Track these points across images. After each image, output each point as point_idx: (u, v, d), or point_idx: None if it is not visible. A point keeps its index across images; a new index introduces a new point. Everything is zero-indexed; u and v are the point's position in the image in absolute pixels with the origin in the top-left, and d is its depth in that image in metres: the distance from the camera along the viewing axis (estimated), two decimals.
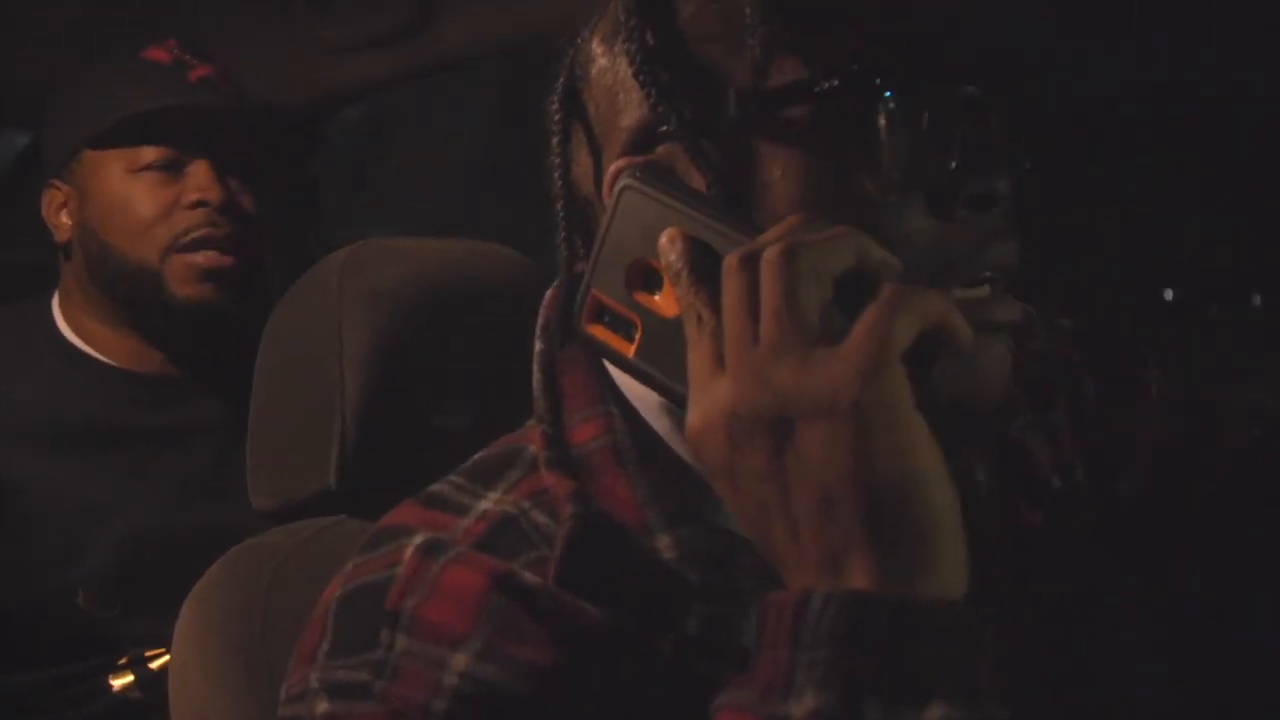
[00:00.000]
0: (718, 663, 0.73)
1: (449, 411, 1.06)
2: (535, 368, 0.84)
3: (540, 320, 0.86)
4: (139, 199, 1.65)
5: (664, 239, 0.71)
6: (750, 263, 0.65)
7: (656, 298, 0.73)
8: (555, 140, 0.82)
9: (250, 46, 1.86)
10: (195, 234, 1.64)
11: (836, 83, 0.73)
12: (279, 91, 1.93)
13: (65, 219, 1.72)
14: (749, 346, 0.64)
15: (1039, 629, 0.85)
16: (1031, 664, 0.81)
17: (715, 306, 0.67)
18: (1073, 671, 0.86)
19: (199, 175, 1.65)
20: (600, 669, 0.71)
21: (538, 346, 0.84)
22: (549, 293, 0.87)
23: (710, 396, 0.65)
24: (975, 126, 0.75)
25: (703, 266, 0.69)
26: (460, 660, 0.69)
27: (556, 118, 0.82)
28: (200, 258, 1.65)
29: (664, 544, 0.75)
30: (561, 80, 0.83)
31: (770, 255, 0.64)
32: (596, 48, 0.82)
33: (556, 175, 0.82)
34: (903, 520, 0.61)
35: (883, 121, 0.73)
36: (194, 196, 1.65)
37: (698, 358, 0.67)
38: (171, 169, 1.66)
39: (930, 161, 0.74)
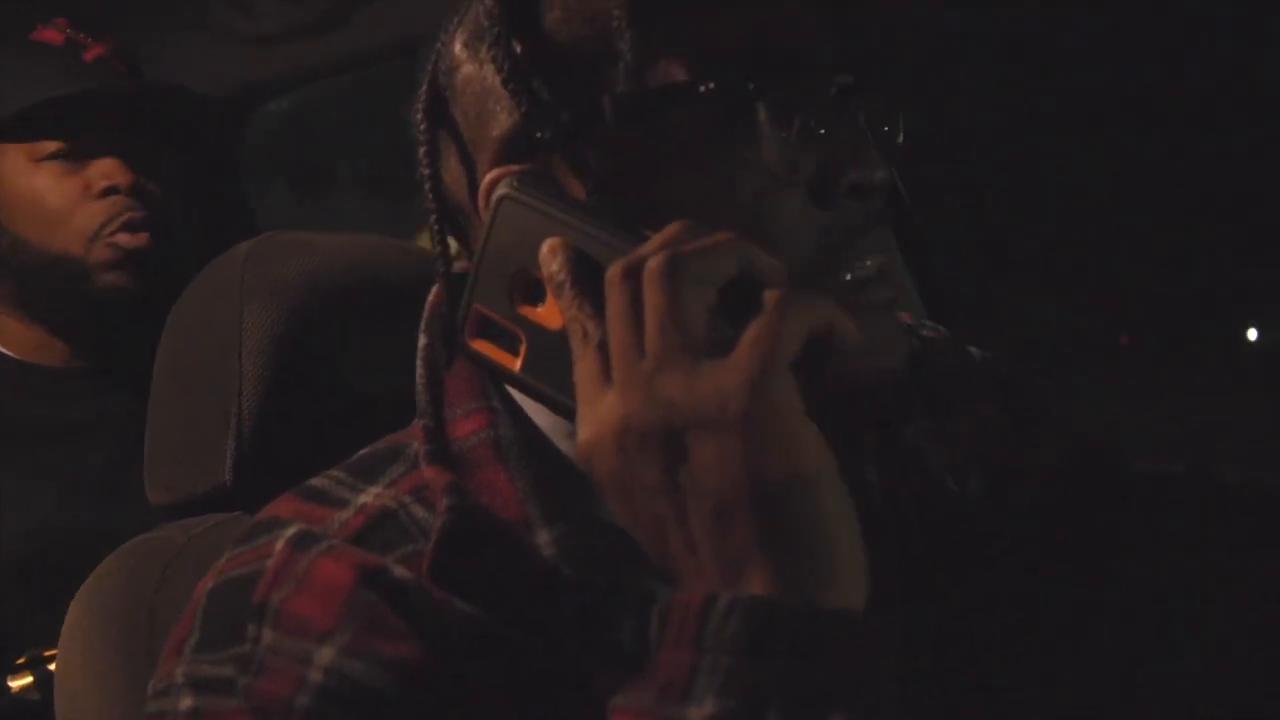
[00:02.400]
0: (594, 661, 0.72)
1: (348, 407, 1.04)
2: (419, 361, 0.83)
3: (425, 316, 0.85)
4: (46, 190, 1.62)
5: (545, 249, 0.69)
6: (633, 273, 0.64)
7: (540, 309, 0.72)
8: (423, 150, 0.81)
9: (167, 39, 1.84)
10: (120, 219, 1.61)
11: (713, 85, 0.73)
12: (197, 84, 1.90)
13: None
14: (635, 359, 0.63)
15: (934, 634, 0.84)
16: (928, 672, 0.82)
17: (600, 318, 0.66)
18: (968, 679, 0.86)
19: (104, 162, 1.62)
20: (472, 667, 0.70)
21: (421, 341, 0.84)
22: (435, 288, 0.86)
23: (599, 411, 0.64)
24: (851, 117, 0.75)
25: (586, 277, 0.68)
26: (325, 655, 0.68)
27: (423, 126, 0.81)
28: (124, 238, 1.61)
29: (544, 540, 0.75)
30: (425, 87, 0.81)
31: (653, 265, 0.64)
32: (460, 52, 0.80)
33: (427, 187, 0.81)
34: (798, 528, 0.60)
35: (761, 120, 0.73)
36: (103, 184, 1.62)
37: (584, 371, 0.66)
38: (74, 156, 1.63)
39: (809, 155, 0.74)
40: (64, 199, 1.61)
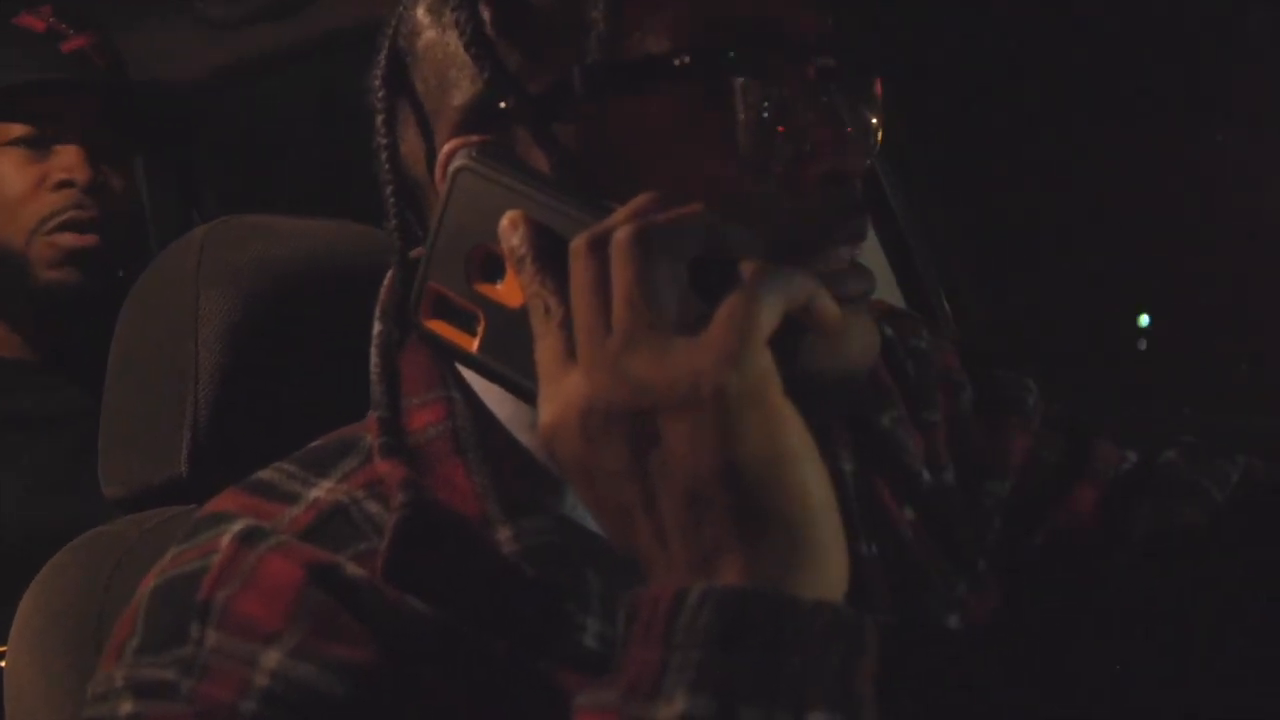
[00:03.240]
0: (557, 661, 0.70)
1: (308, 396, 1.02)
2: (373, 351, 0.80)
3: (379, 304, 0.82)
4: (4, 176, 1.59)
5: (505, 222, 0.66)
6: (599, 246, 0.61)
7: (499, 287, 0.68)
8: (380, 119, 0.77)
9: (132, 22, 1.80)
10: (61, 217, 1.59)
11: (688, 59, 0.70)
12: (161, 69, 1.88)
13: None
14: (601, 336, 0.60)
15: (915, 630, 0.83)
16: (907, 668, 0.79)
17: (563, 294, 0.63)
18: (948, 676, 0.84)
19: (67, 155, 1.60)
20: (428, 668, 0.68)
21: (376, 328, 0.81)
22: (389, 274, 0.83)
23: (562, 392, 0.61)
24: (830, 101, 0.73)
25: (548, 252, 0.65)
26: (272, 658, 0.65)
27: (380, 94, 0.77)
28: (65, 238, 1.59)
29: (504, 536, 0.72)
30: (384, 53, 0.78)
31: (621, 237, 0.61)
32: (422, 18, 0.77)
33: (384, 157, 0.77)
34: (777, 514, 0.57)
35: (737, 98, 0.70)
36: (60, 176, 1.59)
37: (546, 350, 0.63)
38: (38, 145, 1.60)
39: (785, 138, 0.71)
40: (18, 188, 1.59)
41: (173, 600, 0.70)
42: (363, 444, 0.78)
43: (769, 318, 0.59)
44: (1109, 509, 0.96)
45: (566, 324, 0.62)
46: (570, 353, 0.62)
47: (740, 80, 0.70)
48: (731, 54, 0.70)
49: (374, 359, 0.79)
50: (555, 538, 0.73)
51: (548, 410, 0.62)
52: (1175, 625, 0.91)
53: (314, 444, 0.81)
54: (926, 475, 0.89)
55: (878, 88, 0.75)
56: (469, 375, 0.78)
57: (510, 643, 0.70)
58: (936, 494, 0.89)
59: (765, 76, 0.71)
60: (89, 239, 1.60)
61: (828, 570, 0.58)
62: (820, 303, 0.62)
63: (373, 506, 0.74)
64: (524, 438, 0.76)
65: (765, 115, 0.70)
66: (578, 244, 0.62)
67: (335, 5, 1.74)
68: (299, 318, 1.03)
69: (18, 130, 1.60)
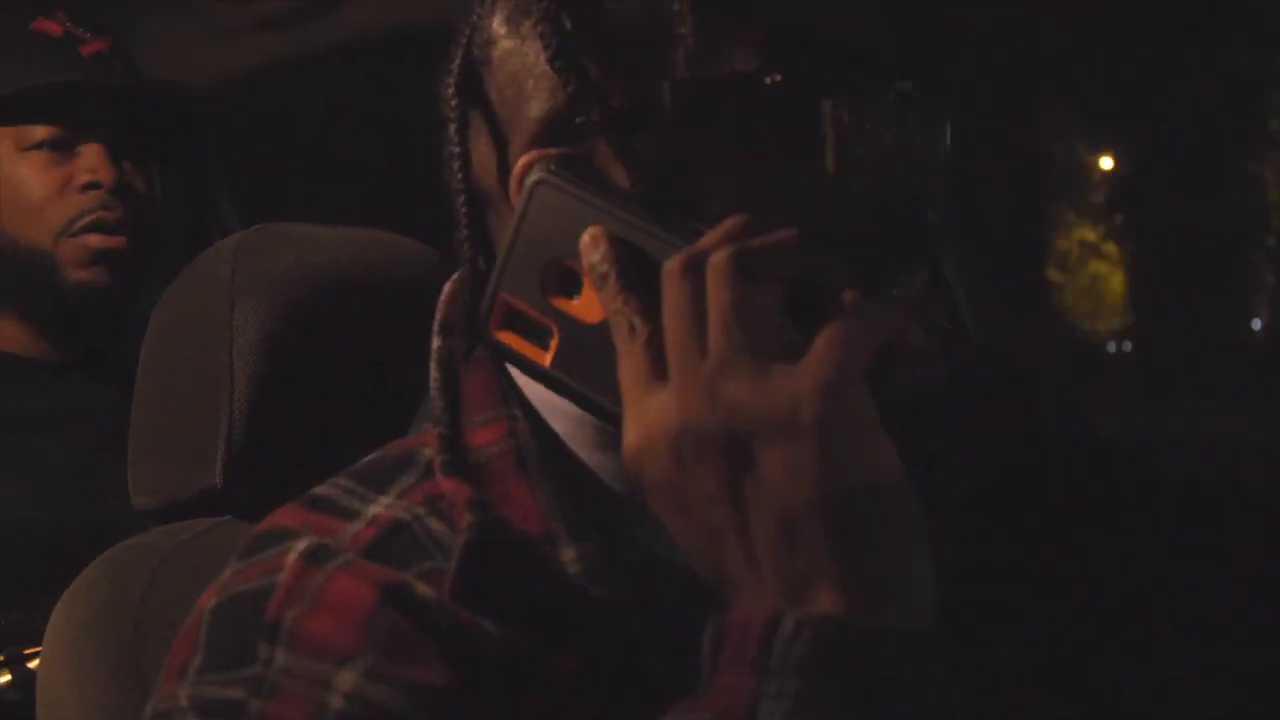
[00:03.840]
0: (624, 682, 0.69)
1: (343, 407, 1.01)
2: (433, 366, 0.79)
3: (438, 316, 0.81)
4: (29, 179, 1.59)
5: (586, 239, 0.65)
6: (694, 268, 0.61)
7: (575, 302, 0.67)
8: (453, 128, 0.76)
9: (147, 26, 1.81)
10: (89, 218, 1.58)
11: (779, 77, 0.69)
12: (178, 73, 1.87)
13: None
14: (695, 359, 0.59)
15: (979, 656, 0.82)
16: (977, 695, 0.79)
17: (647, 314, 0.62)
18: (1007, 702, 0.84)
19: (91, 156, 1.59)
20: (498, 690, 0.67)
21: (435, 343, 0.80)
22: (447, 287, 0.82)
23: (650, 413, 0.60)
24: (908, 125, 0.72)
25: (631, 270, 0.64)
26: (346, 679, 0.65)
27: (453, 104, 0.76)
28: (93, 239, 1.59)
29: (568, 556, 0.71)
30: (458, 62, 0.77)
31: (718, 260, 0.60)
32: (499, 28, 0.76)
33: (456, 166, 0.76)
34: (872, 543, 0.57)
35: (825, 118, 0.70)
36: (86, 178, 1.58)
37: (630, 370, 0.62)
38: (62, 148, 1.60)
39: (868, 158, 0.71)
40: (44, 190, 1.59)
41: (238, 618, 0.69)
42: (420, 459, 0.77)
43: (867, 348, 0.59)
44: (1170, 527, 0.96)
45: (652, 344, 0.61)
46: (656, 373, 0.61)
47: (829, 101, 0.70)
48: (821, 74, 0.70)
49: (434, 373, 0.78)
50: (620, 557, 0.72)
51: (634, 430, 0.61)
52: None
53: (368, 459, 0.80)
54: (969, 493, 0.89)
55: (949, 113, 0.74)
56: (531, 393, 0.77)
57: (577, 663, 0.69)
58: (984, 513, 0.88)
59: (851, 98, 0.70)
60: (116, 240, 1.60)
61: (919, 601, 0.58)
62: (911, 333, 0.62)
63: (435, 524, 0.73)
64: (586, 455, 0.75)
65: (850, 137, 0.70)
66: (672, 265, 0.61)
67: (350, 15, 1.74)
68: (334, 327, 1.03)
69: (41, 133, 1.59)
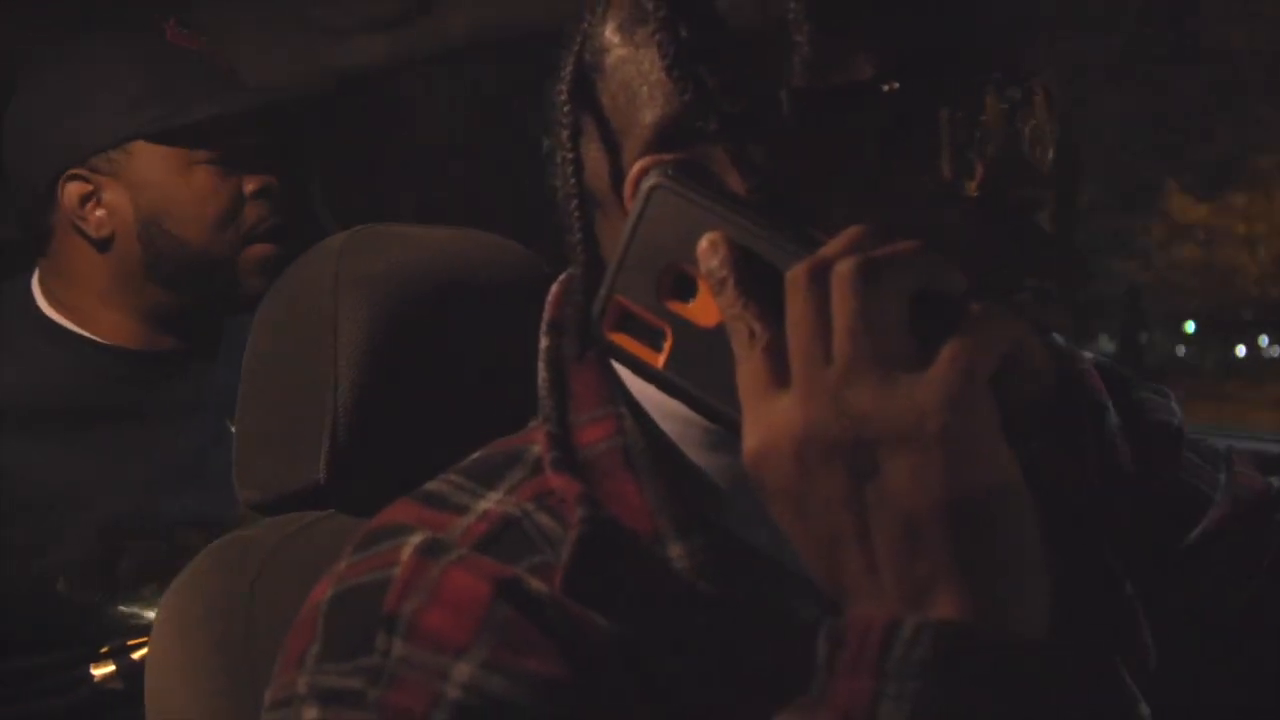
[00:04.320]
0: (729, 680, 0.70)
1: (444, 404, 1.03)
2: (541, 365, 0.80)
3: (546, 316, 0.83)
4: (209, 193, 1.64)
5: (704, 244, 0.66)
6: (819, 277, 0.61)
7: (690, 305, 0.68)
8: (565, 134, 0.77)
9: (249, 29, 1.84)
10: (266, 225, 1.65)
11: (897, 85, 0.70)
12: (277, 75, 1.90)
13: (100, 212, 1.66)
14: (820, 366, 0.60)
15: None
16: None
17: (767, 320, 0.63)
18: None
19: (255, 165, 1.66)
20: (608, 684, 0.68)
21: (544, 343, 0.81)
22: (554, 287, 0.84)
23: (773, 417, 0.61)
24: (1019, 132, 0.73)
25: (749, 276, 0.65)
26: (463, 671, 0.66)
27: (566, 109, 0.77)
28: (268, 247, 1.66)
29: (676, 553, 0.72)
30: (569, 69, 0.78)
31: (844, 270, 0.61)
32: (611, 36, 0.77)
33: (569, 171, 0.77)
34: (995, 550, 0.58)
35: (943, 125, 0.70)
36: (254, 185, 1.64)
37: (749, 375, 0.63)
38: (228, 161, 1.65)
39: (983, 165, 0.72)
40: (223, 201, 1.64)
41: (355, 610, 0.71)
42: (527, 456, 0.79)
43: (992, 359, 0.60)
44: (1248, 534, 0.95)
45: (772, 349, 0.62)
46: (777, 378, 0.62)
47: (946, 107, 0.71)
48: (938, 82, 0.71)
49: (542, 373, 0.80)
50: (726, 554, 0.73)
51: (755, 434, 0.62)
52: None
53: (476, 455, 0.82)
54: (1076, 500, 0.89)
55: (1057, 121, 0.74)
56: (638, 391, 0.78)
57: (684, 659, 0.70)
58: (1087, 519, 0.88)
59: (969, 106, 0.71)
60: (283, 245, 1.66)
61: (1036, 607, 0.59)
62: (1030, 344, 0.62)
63: (544, 519, 0.74)
64: (694, 454, 0.76)
65: (966, 144, 0.71)
66: (797, 273, 0.62)
67: (450, 17, 1.75)
68: (434, 325, 1.05)
69: (207, 150, 1.64)
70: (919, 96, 0.70)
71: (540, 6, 1.64)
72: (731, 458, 0.73)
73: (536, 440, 0.78)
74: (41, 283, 1.72)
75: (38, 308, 1.70)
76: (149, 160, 1.64)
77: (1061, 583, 0.72)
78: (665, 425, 0.77)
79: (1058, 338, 0.97)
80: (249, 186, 1.64)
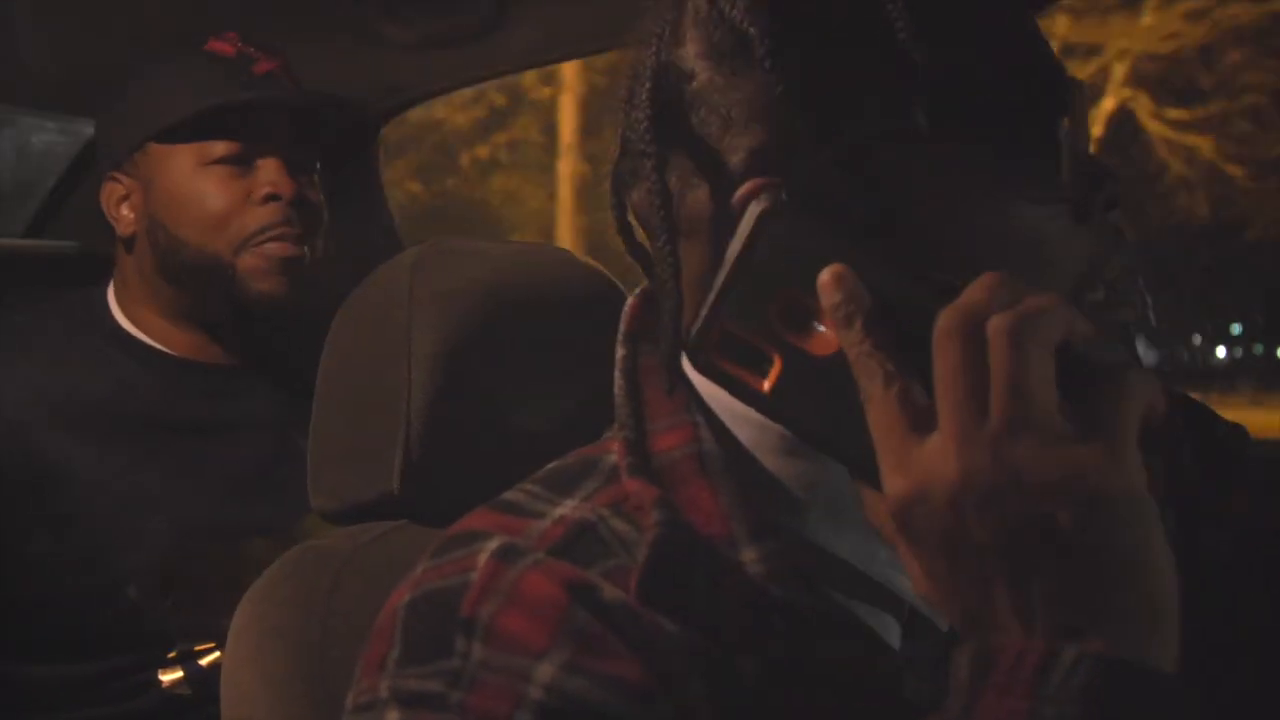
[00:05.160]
0: (801, 683, 0.71)
1: (517, 417, 1.04)
2: (617, 374, 0.82)
3: (623, 327, 0.84)
4: (210, 193, 1.65)
5: (828, 278, 0.65)
6: (975, 331, 0.61)
7: (804, 335, 0.68)
8: (650, 164, 0.76)
9: (317, 44, 1.86)
10: (271, 231, 1.65)
11: (1021, 95, 0.72)
12: (345, 89, 1.93)
13: (127, 212, 1.72)
14: (976, 418, 0.60)
15: None
16: None
17: (898, 361, 0.63)
18: None
19: (269, 169, 1.65)
20: (682, 686, 0.69)
21: (620, 353, 0.82)
22: (631, 300, 0.85)
23: (922, 464, 0.61)
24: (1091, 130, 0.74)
25: (877, 313, 0.64)
26: (545, 672, 0.67)
27: (648, 137, 0.76)
28: (274, 249, 1.65)
29: (749, 558, 0.73)
30: (647, 98, 0.77)
31: (1001, 326, 0.61)
32: (696, 62, 0.76)
33: (658, 202, 0.76)
34: (1143, 598, 0.60)
35: (1062, 138, 0.72)
36: (266, 190, 1.65)
37: (887, 417, 0.63)
38: (240, 163, 1.66)
39: (1077, 169, 0.73)
40: (226, 203, 1.65)
41: (433, 614, 0.72)
42: (603, 465, 0.80)
43: (1140, 418, 0.61)
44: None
45: (908, 393, 0.63)
46: (916, 424, 0.62)
47: (1066, 118, 0.72)
48: (1052, 97, 0.72)
49: (618, 381, 0.81)
50: (799, 560, 0.74)
51: (902, 478, 0.62)
52: None
53: (552, 465, 0.83)
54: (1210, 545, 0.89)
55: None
56: (709, 397, 0.79)
57: (757, 663, 0.71)
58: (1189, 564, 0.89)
59: (1071, 116, 0.72)
60: (298, 250, 1.66)
61: (1173, 644, 0.60)
62: (1159, 403, 0.63)
63: (619, 524, 0.75)
64: (769, 461, 0.77)
65: (1063, 150, 0.72)
66: (949, 325, 0.62)
67: (517, 34, 1.77)
68: (505, 339, 1.06)
69: (220, 149, 1.65)
70: (1033, 113, 0.72)
71: (601, 27, 1.66)
72: (806, 464, 0.75)
73: (612, 449, 0.79)
74: (116, 293, 1.76)
75: (112, 317, 1.74)
76: (159, 160, 1.68)
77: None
78: (739, 432, 0.78)
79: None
80: (259, 191, 1.65)
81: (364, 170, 2.20)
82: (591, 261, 1.16)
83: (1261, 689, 0.89)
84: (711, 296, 0.69)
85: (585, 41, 1.73)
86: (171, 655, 1.60)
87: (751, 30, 0.73)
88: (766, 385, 0.68)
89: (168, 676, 1.59)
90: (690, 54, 0.77)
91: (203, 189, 1.65)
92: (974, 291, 0.62)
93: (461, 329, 1.04)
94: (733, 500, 0.75)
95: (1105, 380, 0.61)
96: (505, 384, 1.06)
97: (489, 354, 1.05)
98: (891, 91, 0.72)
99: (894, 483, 0.62)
